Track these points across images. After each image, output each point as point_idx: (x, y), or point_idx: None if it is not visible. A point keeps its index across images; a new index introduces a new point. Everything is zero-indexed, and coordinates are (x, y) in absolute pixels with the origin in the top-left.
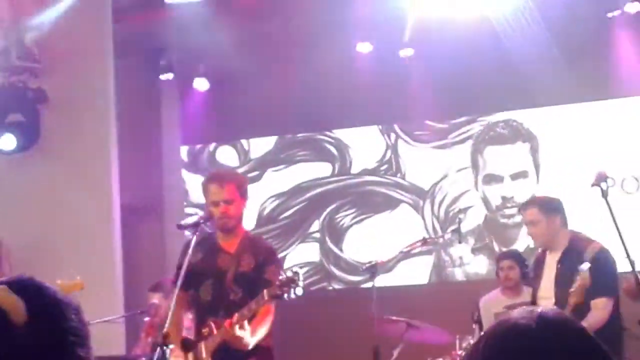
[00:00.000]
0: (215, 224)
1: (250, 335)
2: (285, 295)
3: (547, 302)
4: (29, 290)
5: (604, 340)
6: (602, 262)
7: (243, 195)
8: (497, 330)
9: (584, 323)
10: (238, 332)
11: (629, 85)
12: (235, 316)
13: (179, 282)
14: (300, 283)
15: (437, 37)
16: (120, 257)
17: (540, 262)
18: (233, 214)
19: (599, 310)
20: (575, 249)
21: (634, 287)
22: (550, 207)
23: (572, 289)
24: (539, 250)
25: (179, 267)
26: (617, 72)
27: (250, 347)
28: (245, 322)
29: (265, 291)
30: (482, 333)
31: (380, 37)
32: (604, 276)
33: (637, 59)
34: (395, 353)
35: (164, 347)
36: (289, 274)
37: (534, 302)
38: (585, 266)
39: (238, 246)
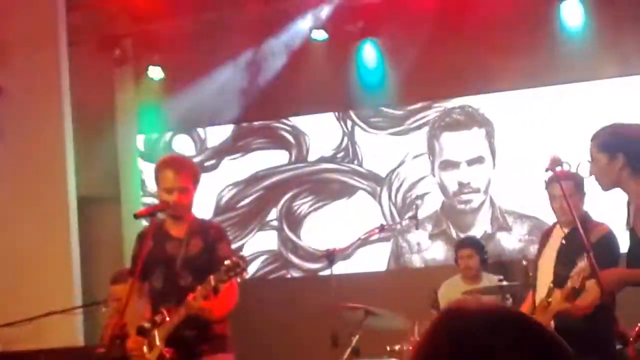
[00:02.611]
0: (166, 212)
1: (217, 307)
2: (232, 279)
3: (545, 274)
4: None
5: (583, 325)
6: (605, 246)
7: (196, 182)
8: (441, 317)
9: (580, 301)
10: (203, 303)
11: (583, 70)
12: (199, 289)
13: (135, 273)
14: (246, 267)
15: (392, 23)
16: (78, 247)
17: (547, 235)
18: (186, 202)
19: (594, 293)
20: (584, 229)
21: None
22: (582, 183)
23: (572, 273)
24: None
25: (134, 258)
26: (570, 56)
27: (218, 318)
28: (211, 294)
29: (211, 277)
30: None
31: (335, 24)
32: (604, 260)
33: (588, 43)
34: (354, 340)
35: (121, 339)
36: (235, 259)
37: (533, 272)
38: (589, 254)
39: (186, 231)
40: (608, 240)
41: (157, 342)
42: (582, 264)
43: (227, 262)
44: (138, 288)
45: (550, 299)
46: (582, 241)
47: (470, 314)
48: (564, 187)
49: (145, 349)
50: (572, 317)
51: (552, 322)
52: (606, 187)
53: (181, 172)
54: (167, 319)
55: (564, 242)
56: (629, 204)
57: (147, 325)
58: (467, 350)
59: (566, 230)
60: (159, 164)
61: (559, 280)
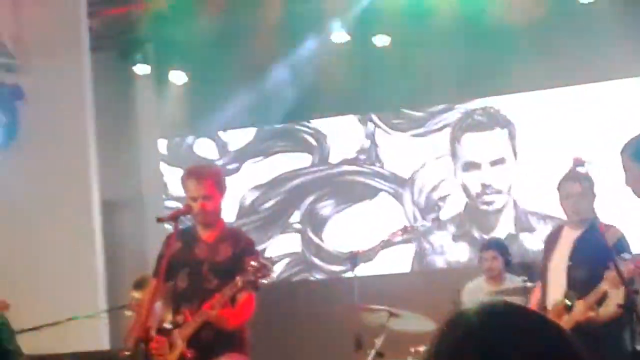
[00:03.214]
0: (194, 219)
1: (233, 316)
2: (258, 282)
3: (557, 275)
4: None
5: (608, 330)
6: (627, 250)
7: (221, 189)
8: (449, 321)
9: (605, 310)
10: (220, 312)
11: (605, 70)
12: (215, 298)
13: (159, 274)
14: (273, 269)
15: (412, 25)
16: (102, 251)
17: (555, 237)
18: (211, 209)
19: (619, 300)
20: (596, 230)
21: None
22: (593, 184)
23: (606, 275)
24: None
25: (160, 258)
26: (593, 57)
27: (234, 326)
28: (227, 304)
29: (238, 277)
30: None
31: (356, 26)
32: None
33: (613, 44)
34: (378, 342)
35: (145, 342)
36: (262, 260)
37: (542, 274)
38: (628, 255)
39: (217, 237)
40: (626, 242)
41: (179, 342)
42: (610, 274)
43: (253, 263)
44: (159, 288)
45: (569, 302)
46: (599, 244)
47: (473, 313)
48: (580, 186)
49: (166, 348)
50: (594, 324)
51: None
52: None
53: (203, 181)
54: (189, 319)
55: (576, 243)
56: None
57: (168, 325)
58: (470, 347)
59: (578, 232)
60: (184, 174)
61: (575, 283)
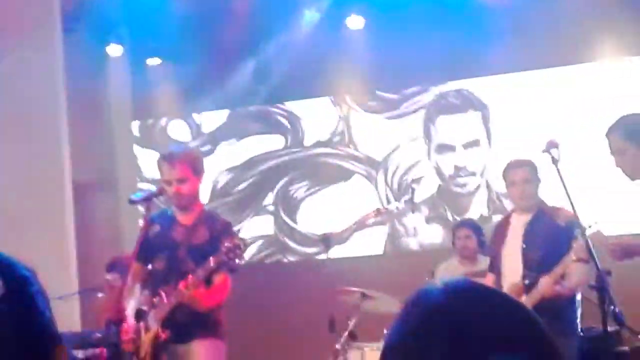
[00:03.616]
0: (171, 202)
1: (206, 298)
2: (231, 262)
3: (512, 260)
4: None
5: (567, 305)
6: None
7: (197, 172)
8: (413, 299)
9: (567, 284)
10: (194, 292)
11: (579, 52)
12: (190, 277)
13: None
14: (245, 250)
15: (386, 6)
16: (74, 233)
17: (505, 224)
18: (186, 192)
19: (583, 273)
20: (545, 213)
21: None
22: (537, 170)
23: (575, 245)
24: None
25: (139, 242)
26: (567, 39)
27: (207, 308)
28: (201, 285)
29: (211, 257)
30: None
31: (330, 8)
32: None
33: (587, 26)
34: (351, 323)
35: (117, 324)
36: (236, 241)
37: (497, 260)
38: (595, 226)
39: (194, 219)
40: (577, 222)
41: (154, 323)
42: (577, 245)
43: (227, 244)
44: (137, 271)
45: (527, 281)
46: (551, 224)
47: (438, 290)
48: (525, 172)
49: (142, 330)
50: (558, 300)
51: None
52: (636, 176)
53: (177, 164)
54: (165, 300)
55: (528, 227)
56: None
57: (145, 307)
58: (435, 325)
59: (527, 217)
60: (158, 159)
61: (532, 264)
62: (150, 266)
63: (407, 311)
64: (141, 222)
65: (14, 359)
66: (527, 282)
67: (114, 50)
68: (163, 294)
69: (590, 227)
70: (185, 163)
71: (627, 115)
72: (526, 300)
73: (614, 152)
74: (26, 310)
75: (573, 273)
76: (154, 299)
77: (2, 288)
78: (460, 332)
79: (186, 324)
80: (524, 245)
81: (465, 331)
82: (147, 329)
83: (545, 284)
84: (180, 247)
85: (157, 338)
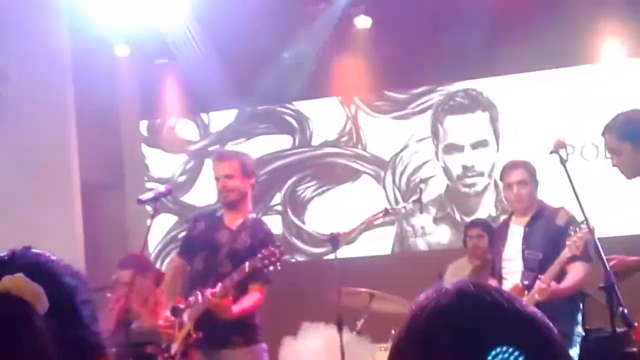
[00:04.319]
0: (219, 199)
1: (234, 305)
2: (265, 270)
3: (513, 263)
4: (42, 273)
5: (565, 306)
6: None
7: (246, 173)
8: (420, 302)
9: (566, 282)
10: (221, 301)
11: (587, 53)
12: (219, 286)
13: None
14: (281, 257)
15: (396, 6)
16: (82, 233)
17: (505, 226)
18: (232, 187)
19: (580, 273)
20: (544, 214)
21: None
22: (534, 171)
23: (569, 242)
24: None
25: (185, 237)
26: (575, 39)
27: (234, 315)
28: (230, 293)
29: (246, 263)
30: None
31: (339, 8)
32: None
33: (596, 27)
34: (359, 324)
35: (126, 324)
36: (272, 248)
37: (498, 263)
38: (574, 223)
39: (240, 224)
40: (576, 222)
41: (187, 323)
42: (581, 231)
43: (263, 250)
44: (178, 267)
45: (526, 282)
46: (550, 224)
47: (447, 292)
48: (520, 174)
49: (176, 326)
50: (556, 301)
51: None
52: (632, 175)
53: (226, 160)
54: (200, 301)
55: (526, 229)
56: None
57: (181, 305)
58: (443, 327)
59: (525, 219)
60: (213, 159)
61: (531, 264)
62: (190, 262)
63: (415, 313)
64: (149, 222)
65: None
66: (526, 282)
67: (122, 50)
68: (199, 294)
69: (582, 224)
70: (234, 161)
71: (622, 113)
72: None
73: (610, 152)
74: (71, 327)
75: (572, 272)
76: (190, 298)
77: (46, 303)
78: (469, 334)
79: (223, 328)
80: (524, 247)
81: (473, 334)
82: (180, 326)
83: (538, 287)
84: (222, 249)
85: (189, 337)
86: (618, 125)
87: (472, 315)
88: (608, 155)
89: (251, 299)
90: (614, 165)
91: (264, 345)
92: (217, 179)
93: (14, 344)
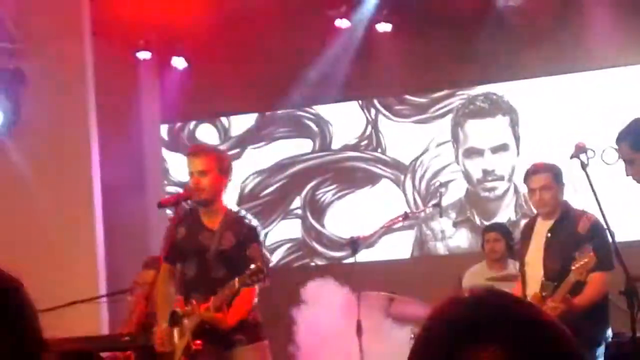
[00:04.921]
0: (191, 196)
1: (230, 316)
2: (255, 285)
3: (534, 269)
4: None
5: (593, 313)
6: (600, 235)
7: (222, 171)
8: (437, 310)
9: (582, 297)
10: (215, 315)
11: (607, 57)
12: (211, 300)
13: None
14: (267, 275)
15: (415, 11)
16: (102, 236)
17: (529, 229)
18: (205, 185)
19: (599, 285)
20: (568, 219)
21: None
22: (560, 174)
23: (574, 267)
24: (523, 220)
25: (166, 243)
26: (596, 43)
27: (231, 325)
28: (224, 304)
29: (236, 279)
30: None
31: (358, 13)
32: (603, 250)
33: (614, 31)
34: (379, 328)
35: (148, 327)
36: (260, 263)
37: (521, 267)
38: (590, 248)
39: (220, 223)
40: (600, 227)
41: (187, 331)
42: (586, 258)
43: (252, 266)
44: (168, 271)
45: (544, 293)
46: (572, 232)
47: (463, 301)
48: (542, 179)
49: (175, 336)
50: (572, 315)
51: None
52: None
53: (201, 156)
54: (197, 310)
55: (549, 235)
56: None
57: (179, 312)
58: (459, 336)
59: (550, 223)
60: (187, 152)
61: (551, 274)
62: (180, 268)
63: (432, 321)
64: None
65: None
66: (544, 294)
67: (142, 54)
68: (195, 302)
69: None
70: (210, 156)
71: (636, 120)
72: None
73: (624, 161)
74: (7, 319)
75: (591, 285)
76: (187, 307)
77: None
78: (485, 344)
79: (225, 331)
80: (545, 254)
81: (489, 343)
82: (181, 335)
83: (548, 306)
84: (208, 252)
85: (189, 348)
86: (632, 133)
87: (489, 325)
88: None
89: (244, 299)
90: (627, 175)
91: (266, 342)
92: (190, 174)
93: None
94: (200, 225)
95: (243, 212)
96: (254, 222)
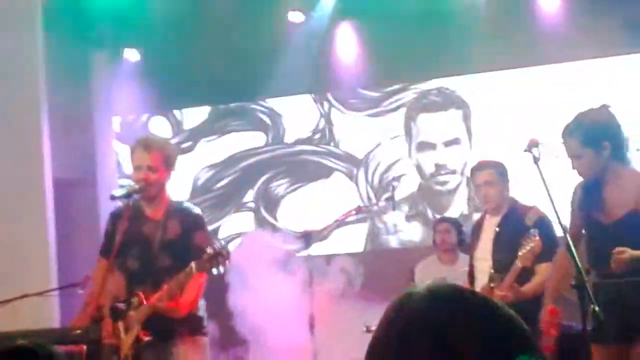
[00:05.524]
0: (135, 190)
1: (182, 305)
2: (213, 270)
3: (484, 263)
4: None
5: (533, 305)
6: (546, 228)
7: (168, 165)
8: (396, 304)
9: (529, 286)
10: (168, 303)
11: (558, 52)
12: (164, 289)
13: (112, 252)
14: (228, 257)
15: (369, 3)
16: (54, 229)
17: (479, 226)
18: (153, 181)
19: (543, 276)
20: (515, 214)
21: None
22: (504, 171)
23: (521, 253)
24: (476, 215)
25: (108, 236)
26: (547, 38)
27: (185, 313)
28: (177, 292)
29: (193, 263)
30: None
31: (312, 6)
32: (549, 241)
33: (566, 25)
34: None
35: (98, 321)
36: (217, 247)
37: (470, 264)
38: (536, 232)
39: (163, 213)
40: (546, 220)
41: (135, 324)
42: (532, 243)
43: (209, 250)
44: (104, 268)
45: (493, 284)
46: (520, 225)
47: (421, 296)
48: (486, 175)
49: (121, 330)
50: (521, 300)
51: None
52: (591, 178)
53: (151, 152)
54: (144, 302)
55: (497, 229)
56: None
57: (121, 306)
58: (418, 330)
59: (497, 219)
60: (133, 144)
61: (499, 266)
62: (121, 262)
63: (390, 315)
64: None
65: None
66: (492, 285)
67: (94, 46)
68: (141, 295)
69: (534, 234)
70: (161, 153)
71: (582, 114)
72: None
73: (570, 155)
74: None
75: (538, 274)
76: (132, 300)
77: None
78: (442, 338)
79: (167, 321)
80: (493, 248)
81: (447, 337)
82: (127, 329)
83: (506, 282)
84: (153, 243)
85: (139, 340)
86: (581, 129)
87: (447, 319)
88: (568, 157)
89: (196, 287)
90: (573, 168)
91: (206, 337)
92: (138, 167)
93: None
94: (142, 216)
95: (185, 203)
96: (198, 211)
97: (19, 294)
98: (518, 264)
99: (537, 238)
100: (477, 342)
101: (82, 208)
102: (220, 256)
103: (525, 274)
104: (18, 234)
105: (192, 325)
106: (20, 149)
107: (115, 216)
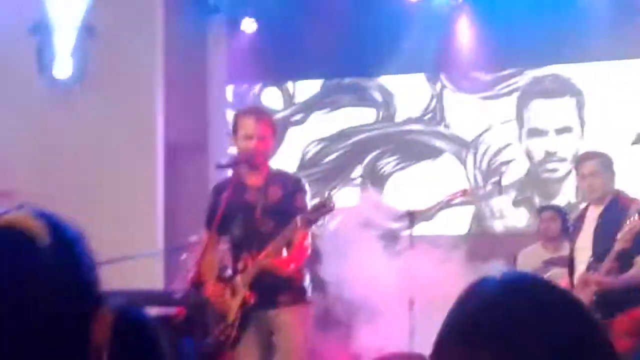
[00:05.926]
0: (243, 159)
1: (288, 261)
2: (319, 220)
3: (584, 253)
4: (46, 217)
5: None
6: None
7: (274, 133)
8: (468, 289)
9: (627, 276)
10: (274, 261)
11: None
12: (270, 246)
13: (213, 225)
14: (333, 205)
15: None
16: (162, 193)
17: (582, 215)
18: (263, 149)
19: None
20: (618, 205)
21: None
22: (610, 163)
23: (619, 235)
24: (583, 205)
25: (213, 210)
26: None
27: (290, 271)
28: (283, 250)
29: (298, 217)
30: None
31: None
32: None
33: None
34: (431, 304)
35: (198, 286)
36: (322, 200)
37: (571, 253)
38: (636, 214)
39: (264, 180)
40: None
41: (242, 288)
42: (629, 225)
43: (314, 202)
44: (215, 241)
45: (590, 272)
46: (622, 216)
47: (494, 282)
48: (592, 166)
49: (227, 294)
50: (618, 293)
51: (594, 297)
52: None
53: (261, 120)
54: (249, 265)
55: (599, 220)
56: None
57: (229, 271)
58: (487, 316)
59: (600, 209)
60: (241, 112)
61: (599, 256)
62: (227, 235)
63: (462, 301)
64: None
65: (52, 312)
66: (590, 272)
67: (213, 14)
68: (247, 259)
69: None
70: (270, 121)
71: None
72: (587, 293)
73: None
74: (71, 264)
75: (636, 263)
76: (239, 264)
77: (48, 238)
78: (514, 328)
79: (271, 289)
80: (594, 238)
81: (518, 328)
82: (233, 294)
83: (593, 279)
84: (256, 208)
85: (246, 303)
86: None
87: (518, 309)
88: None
89: (301, 245)
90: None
91: (310, 305)
92: (248, 137)
93: (15, 273)
94: (243, 185)
95: (284, 170)
96: (298, 176)
97: (126, 254)
98: (617, 246)
99: (637, 219)
100: (542, 338)
101: (192, 173)
102: (324, 206)
103: (626, 263)
104: (128, 196)
105: (293, 295)
106: (134, 111)
107: (218, 189)
